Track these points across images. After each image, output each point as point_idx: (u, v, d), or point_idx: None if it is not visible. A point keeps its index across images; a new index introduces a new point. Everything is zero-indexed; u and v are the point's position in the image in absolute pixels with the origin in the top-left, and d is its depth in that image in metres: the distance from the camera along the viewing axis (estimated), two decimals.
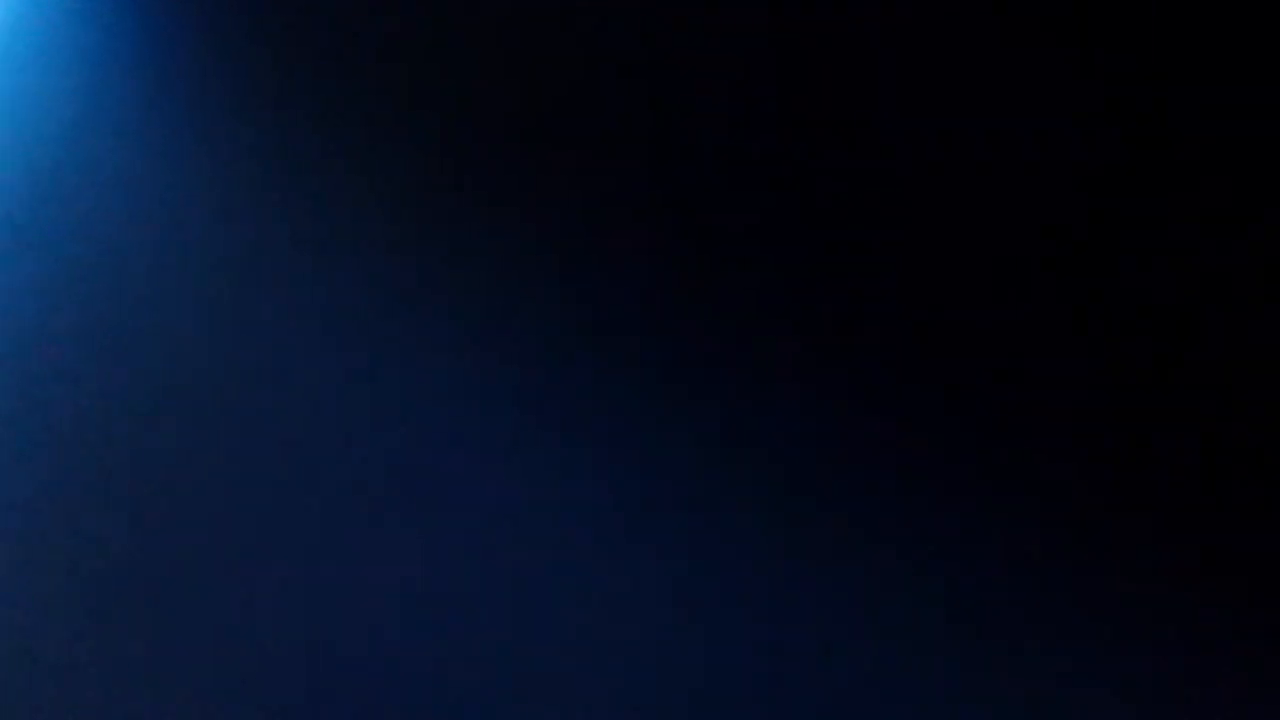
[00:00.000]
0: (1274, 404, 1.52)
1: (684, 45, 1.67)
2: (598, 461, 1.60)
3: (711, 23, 1.66)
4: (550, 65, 1.68)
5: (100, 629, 1.63)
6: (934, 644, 1.52)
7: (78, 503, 1.66)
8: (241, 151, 1.71)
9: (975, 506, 1.54)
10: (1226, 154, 1.56)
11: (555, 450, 1.61)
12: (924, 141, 1.61)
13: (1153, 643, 1.50)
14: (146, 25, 1.74)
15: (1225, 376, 1.53)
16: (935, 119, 1.61)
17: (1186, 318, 1.55)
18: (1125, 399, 1.54)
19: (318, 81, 1.71)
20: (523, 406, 1.62)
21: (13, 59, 1.75)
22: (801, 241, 1.62)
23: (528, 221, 1.66)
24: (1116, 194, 1.57)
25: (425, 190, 1.68)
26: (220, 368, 1.67)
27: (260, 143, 1.71)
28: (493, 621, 1.58)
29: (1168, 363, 1.54)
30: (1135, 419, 1.54)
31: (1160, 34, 1.58)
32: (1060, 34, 1.60)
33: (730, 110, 1.65)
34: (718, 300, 1.62)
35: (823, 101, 1.63)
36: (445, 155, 1.68)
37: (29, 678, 1.63)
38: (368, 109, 1.70)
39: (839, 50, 1.64)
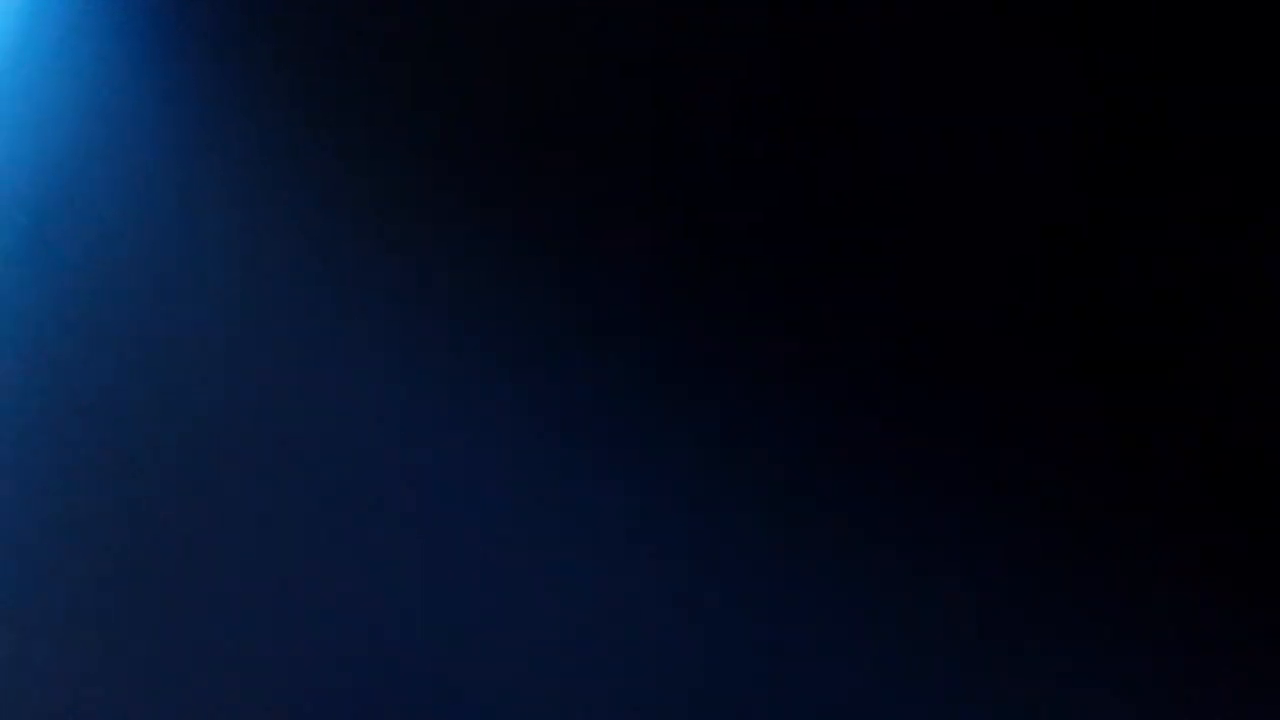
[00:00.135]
0: (1274, 404, 1.52)
1: (684, 45, 1.66)
2: (598, 461, 1.60)
3: (712, 22, 1.66)
4: (555, 65, 1.68)
5: (101, 630, 1.63)
6: (935, 645, 1.52)
7: (81, 502, 1.66)
8: (250, 153, 1.71)
9: (975, 506, 1.54)
10: (1226, 154, 1.56)
11: (557, 450, 1.61)
12: (924, 141, 1.61)
13: (1153, 643, 1.50)
14: (156, 29, 1.74)
15: (1225, 377, 1.53)
16: (935, 119, 1.61)
17: (1186, 318, 1.55)
18: (1126, 399, 1.54)
19: (327, 83, 1.71)
20: (529, 407, 1.62)
21: (23, 62, 1.75)
22: (803, 241, 1.61)
23: (533, 222, 1.66)
24: (1116, 194, 1.57)
25: (432, 191, 1.68)
26: (227, 367, 1.67)
27: (269, 144, 1.71)
28: (494, 622, 1.58)
29: (1168, 363, 1.54)
30: (1136, 419, 1.54)
31: (1160, 34, 1.58)
32: (1060, 34, 1.60)
33: (731, 110, 1.65)
34: (719, 300, 1.62)
35: (824, 101, 1.63)
36: (453, 156, 1.68)
37: (29, 678, 1.63)
38: (377, 111, 1.70)
39: (840, 49, 1.64)
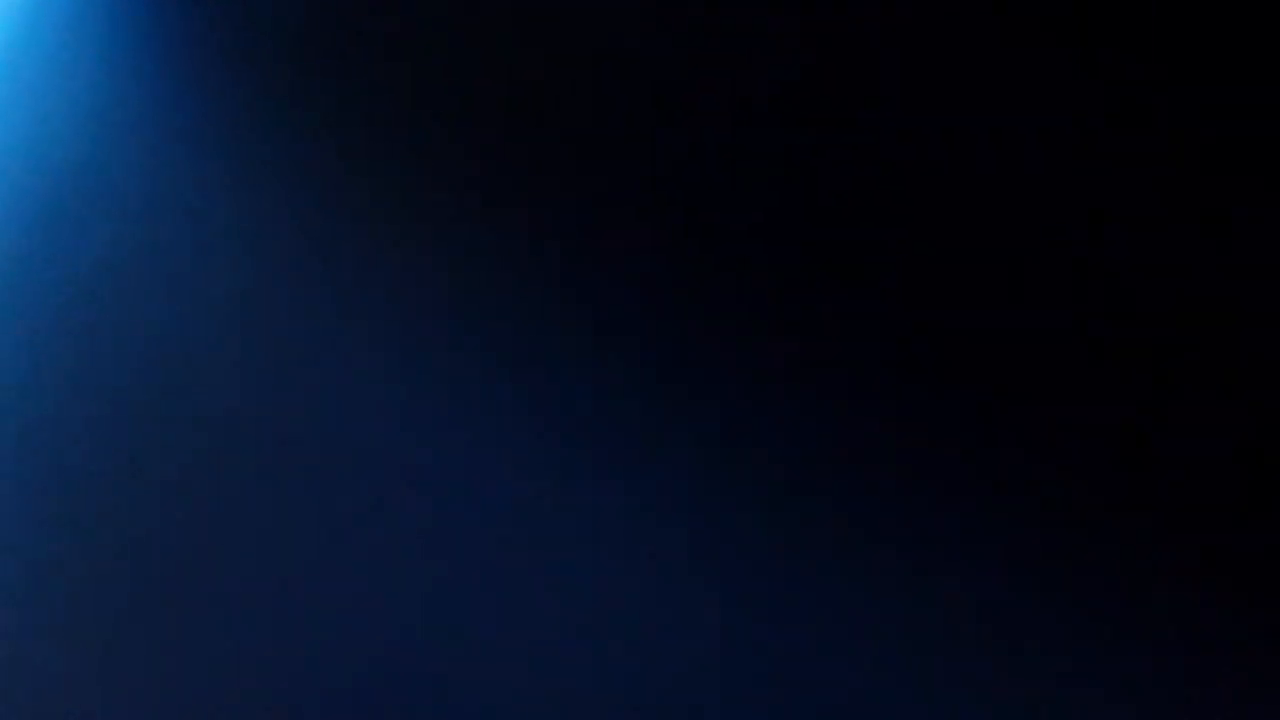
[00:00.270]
0: (1274, 404, 1.52)
1: (685, 45, 1.67)
2: (598, 461, 1.60)
3: (712, 22, 1.67)
4: (555, 65, 1.68)
5: (100, 630, 1.63)
6: (936, 645, 1.52)
7: (83, 506, 1.66)
8: (251, 152, 1.71)
9: (976, 507, 1.54)
10: (1226, 154, 1.56)
11: (558, 450, 1.61)
12: (924, 141, 1.61)
13: (1153, 643, 1.50)
14: (159, 27, 1.75)
15: (1226, 377, 1.53)
16: (935, 119, 1.61)
17: (1186, 318, 1.55)
18: (1126, 399, 1.54)
19: (327, 83, 1.71)
20: (530, 407, 1.62)
21: (24, 62, 1.76)
22: (803, 241, 1.62)
23: (534, 222, 1.66)
24: (1117, 194, 1.57)
25: (432, 190, 1.68)
26: (228, 366, 1.67)
27: (270, 143, 1.71)
28: (494, 622, 1.58)
29: (1168, 362, 1.54)
30: (1136, 419, 1.54)
31: (1160, 34, 1.58)
32: (1060, 34, 1.60)
33: (731, 110, 1.65)
34: (719, 300, 1.62)
35: (824, 101, 1.64)
36: (454, 156, 1.68)
37: (29, 678, 1.63)
38: (381, 112, 1.70)
39: (840, 49, 1.64)
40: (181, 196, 1.71)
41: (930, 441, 1.56)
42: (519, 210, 1.66)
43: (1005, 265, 1.58)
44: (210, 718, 1.60)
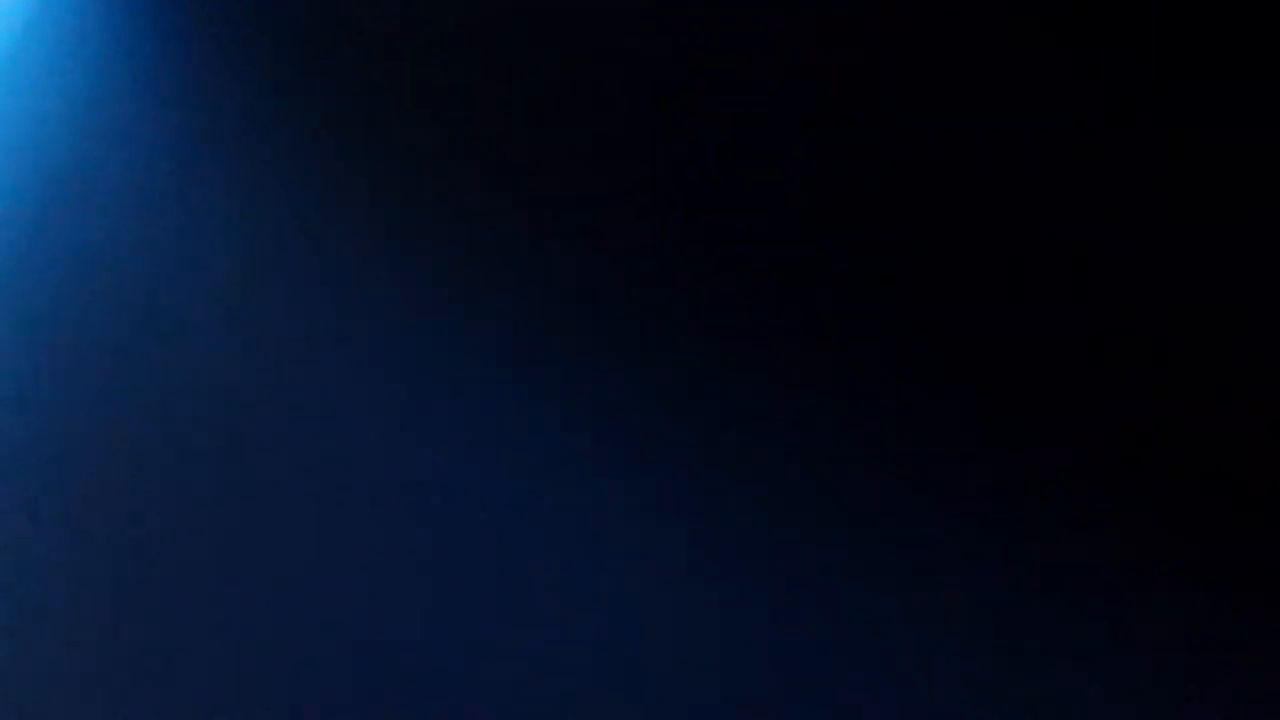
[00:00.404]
0: (1275, 404, 1.52)
1: (685, 45, 1.67)
2: (599, 461, 1.60)
3: (712, 21, 1.67)
4: (555, 66, 1.68)
5: (100, 630, 1.63)
6: (938, 645, 1.52)
7: (78, 501, 1.66)
8: (251, 152, 1.71)
9: (977, 507, 1.54)
10: (1226, 154, 1.56)
11: (558, 450, 1.61)
12: (924, 141, 1.61)
13: (1155, 644, 1.50)
14: (159, 27, 1.75)
15: (1226, 377, 1.53)
16: (935, 119, 1.61)
17: (1186, 318, 1.55)
18: (1126, 399, 1.54)
19: (327, 83, 1.71)
20: (531, 407, 1.62)
21: (24, 61, 1.76)
22: (804, 241, 1.62)
23: (535, 222, 1.66)
24: (1117, 194, 1.57)
25: (432, 190, 1.68)
26: (228, 366, 1.67)
27: (270, 143, 1.71)
28: (495, 622, 1.58)
29: (1169, 362, 1.54)
30: (1136, 419, 1.54)
31: (1160, 34, 1.58)
32: (1060, 34, 1.60)
33: (731, 110, 1.65)
34: (720, 300, 1.62)
35: (824, 101, 1.64)
36: (454, 156, 1.68)
37: (32, 681, 1.63)
38: (381, 112, 1.70)
39: (840, 49, 1.64)
40: (180, 194, 1.71)
41: (930, 441, 1.56)
42: (519, 210, 1.66)
43: (1005, 265, 1.58)
44: (208, 717, 1.60)
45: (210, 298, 1.68)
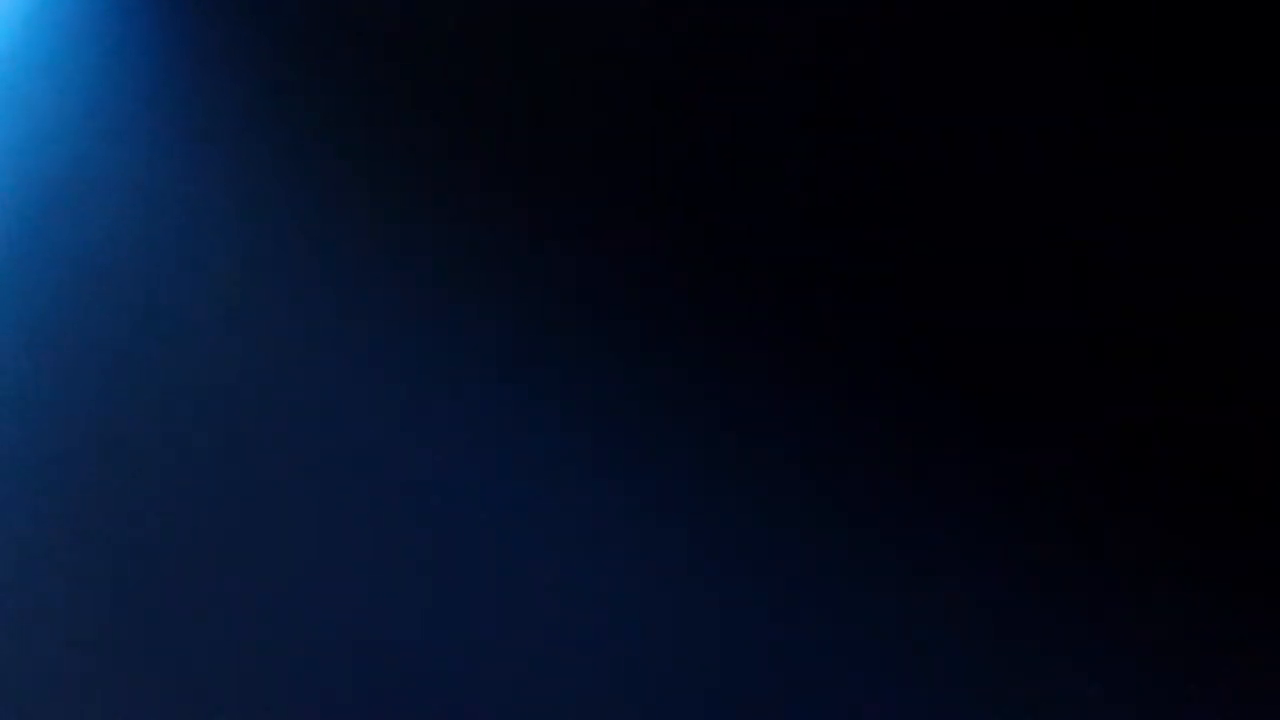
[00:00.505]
0: (1275, 404, 1.52)
1: (685, 45, 1.67)
2: (598, 461, 1.60)
3: (712, 21, 1.67)
4: (556, 65, 1.68)
5: (100, 630, 1.63)
6: (935, 645, 1.52)
7: (78, 498, 1.66)
8: (251, 152, 1.71)
9: (977, 507, 1.54)
10: (1227, 154, 1.56)
11: (559, 451, 1.61)
12: (924, 141, 1.61)
13: (1155, 644, 1.50)
14: (158, 28, 1.74)
15: (1227, 377, 1.53)
16: (935, 119, 1.61)
17: (1187, 318, 1.55)
18: (1126, 399, 1.54)
19: (327, 84, 1.71)
20: (531, 407, 1.62)
21: (24, 63, 1.76)
22: (804, 241, 1.62)
23: (535, 222, 1.66)
24: (1117, 194, 1.57)
25: (432, 190, 1.68)
26: (228, 366, 1.67)
27: (269, 144, 1.71)
28: (496, 622, 1.58)
29: (1169, 362, 1.54)
30: (1137, 419, 1.54)
31: (1161, 34, 1.58)
32: (1060, 34, 1.60)
33: (731, 110, 1.65)
34: (720, 300, 1.62)
35: (824, 101, 1.64)
36: (454, 156, 1.68)
37: (32, 681, 1.63)
38: (381, 112, 1.70)
39: (840, 49, 1.64)
40: (180, 194, 1.71)
41: (930, 441, 1.56)
42: (519, 210, 1.66)
43: (1005, 265, 1.58)
44: (208, 717, 1.60)
45: (210, 298, 1.68)
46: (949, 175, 1.60)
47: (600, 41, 1.68)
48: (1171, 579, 1.50)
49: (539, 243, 1.65)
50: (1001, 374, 1.56)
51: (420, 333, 1.65)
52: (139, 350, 1.68)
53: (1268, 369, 1.52)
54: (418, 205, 1.67)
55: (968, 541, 1.54)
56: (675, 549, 1.57)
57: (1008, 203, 1.59)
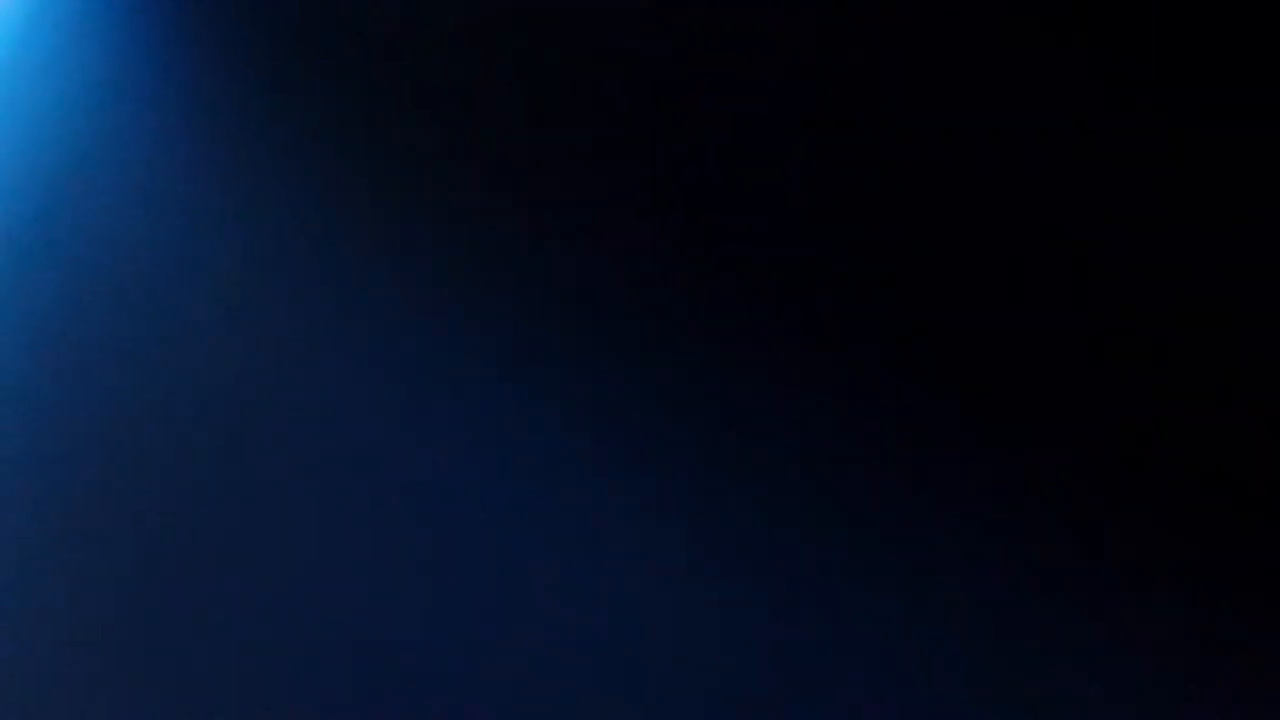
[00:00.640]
0: (1275, 404, 1.52)
1: (685, 45, 1.67)
2: (598, 461, 1.60)
3: (712, 21, 1.67)
4: (556, 65, 1.68)
5: (104, 632, 1.63)
6: (935, 645, 1.52)
7: (85, 506, 1.66)
8: (252, 152, 1.71)
9: (977, 507, 1.54)
10: (1227, 154, 1.56)
11: (559, 451, 1.61)
12: (924, 141, 1.61)
13: (1155, 644, 1.50)
14: (159, 27, 1.74)
15: (1227, 377, 1.53)
16: (935, 119, 1.61)
17: (1187, 318, 1.55)
18: (1126, 399, 1.54)
19: (327, 84, 1.71)
20: (532, 407, 1.62)
21: (25, 62, 1.76)
22: (804, 241, 1.62)
23: (535, 222, 1.66)
24: (1117, 195, 1.57)
25: (432, 190, 1.68)
26: (229, 367, 1.67)
27: (270, 144, 1.71)
28: (497, 623, 1.58)
29: (1169, 363, 1.54)
30: (1137, 419, 1.53)
31: (1161, 34, 1.58)
32: (1060, 34, 1.60)
33: (730, 110, 1.65)
34: (720, 300, 1.62)
35: (824, 101, 1.63)
36: (454, 156, 1.68)
37: (32, 681, 1.63)
38: (381, 111, 1.70)
39: (840, 49, 1.64)
40: (180, 194, 1.71)
41: (930, 441, 1.56)
42: (519, 210, 1.66)
43: (1005, 265, 1.58)
44: (208, 717, 1.60)
45: (210, 298, 1.68)
46: (949, 175, 1.60)
47: (600, 41, 1.68)
48: (1171, 579, 1.50)
49: (539, 243, 1.65)
50: (1001, 374, 1.56)
51: (420, 333, 1.65)
52: (139, 350, 1.68)
53: (1268, 369, 1.52)
54: (418, 205, 1.67)
55: (968, 541, 1.54)
56: (675, 549, 1.57)
57: (1008, 203, 1.59)
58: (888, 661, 1.52)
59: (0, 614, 1.65)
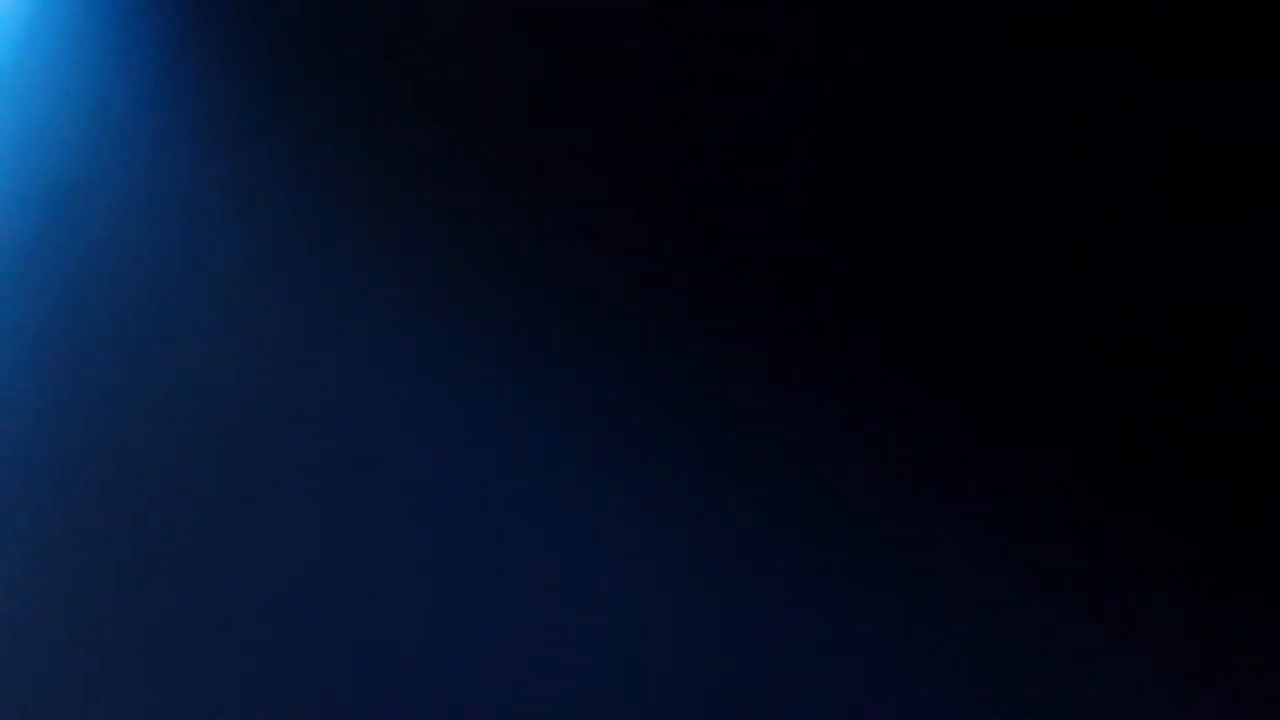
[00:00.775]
0: (1275, 404, 1.52)
1: (685, 45, 1.67)
2: (598, 461, 1.60)
3: (712, 21, 1.67)
4: (556, 66, 1.68)
5: (104, 631, 1.63)
6: (935, 645, 1.52)
7: (90, 510, 1.66)
8: (253, 152, 1.71)
9: (977, 507, 1.54)
10: (1227, 154, 1.56)
11: (559, 451, 1.61)
12: (925, 141, 1.61)
13: (1155, 644, 1.50)
14: (161, 29, 1.75)
15: (1227, 377, 1.53)
16: (935, 119, 1.61)
17: (1187, 318, 1.55)
18: (1126, 399, 1.54)
19: (328, 84, 1.71)
20: (532, 408, 1.62)
21: (27, 63, 1.76)
22: (804, 241, 1.62)
23: (535, 222, 1.66)
24: (1118, 195, 1.57)
25: (432, 190, 1.68)
26: (230, 367, 1.67)
27: (271, 144, 1.71)
28: (497, 623, 1.58)
29: (1169, 363, 1.54)
30: (1137, 419, 1.54)
31: (1161, 34, 1.58)
32: (1060, 34, 1.60)
33: (730, 110, 1.65)
34: (720, 300, 1.62)
35: (824, 101, 1.64)
36: (455, 156, 1.68)
37: (32, 681, 1.63)
38: (381, 112, 1.70)
39: (840, 49, 1.64)
40: (181, 195, 1.71)
41: (930, 441, 1.56)
42: (519, 210, 1.66)
43: (1005, 265, 1.58)
44: (208, 717, 1.60)
45: (210, 298, 1.68)
46: (949, 175, 1.60)
47: (600, 41, 1.68)
48: (1171, 579, 1.50)
49: (539, 243, 1.65)
50: (1001, 374, 1.56)
51: (420, 333, 1.65)
52: (140, 350, 1.68)
53: (1268, 369, 1.52)
54: (418, 205, 1.67)
55: (968, 541, 1.54)
56: (675, 549, 1.57)
57: (1008, 203, 1.59)
58: (888, 661, 1.52)
59: (0, 614, 1.65)
